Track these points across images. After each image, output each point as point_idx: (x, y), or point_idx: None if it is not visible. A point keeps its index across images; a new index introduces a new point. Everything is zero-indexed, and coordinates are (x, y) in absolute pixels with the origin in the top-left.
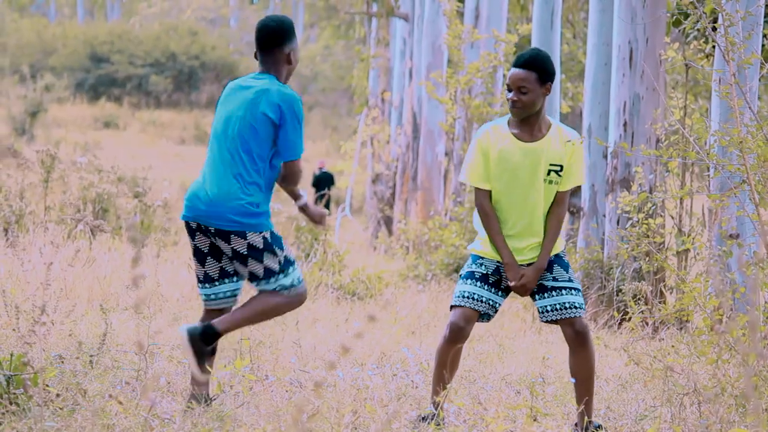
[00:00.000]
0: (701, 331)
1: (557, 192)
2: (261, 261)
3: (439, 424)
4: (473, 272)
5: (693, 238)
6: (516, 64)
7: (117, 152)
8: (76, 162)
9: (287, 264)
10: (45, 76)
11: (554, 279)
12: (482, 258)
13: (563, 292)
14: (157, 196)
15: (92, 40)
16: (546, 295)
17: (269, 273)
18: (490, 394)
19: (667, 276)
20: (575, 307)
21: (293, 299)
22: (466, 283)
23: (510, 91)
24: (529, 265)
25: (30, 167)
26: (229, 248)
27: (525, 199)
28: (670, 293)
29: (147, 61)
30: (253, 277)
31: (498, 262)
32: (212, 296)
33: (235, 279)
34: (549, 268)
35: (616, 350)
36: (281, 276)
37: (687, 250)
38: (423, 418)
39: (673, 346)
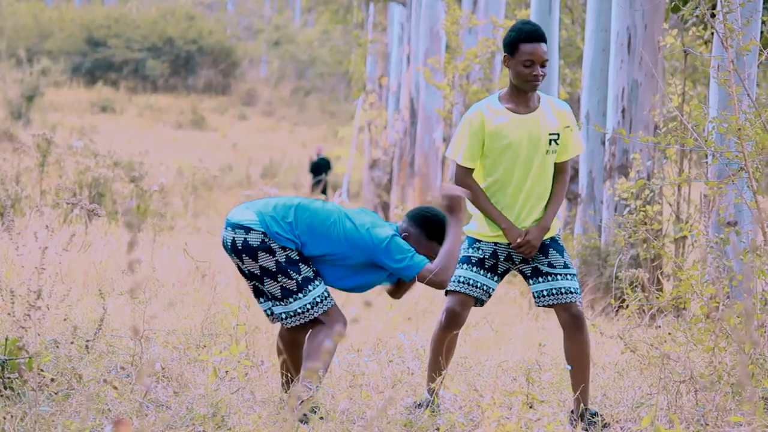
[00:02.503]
0: (698, 318)
1: (558, 163)
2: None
3: (434, 411)
4: (470, 257)
5: (690, 226)
6: (535, 39)
7: (113, 137)
8: (73, 146)
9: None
10: (41, 60)
11: (549, 264)
12: (479, 241)
13: (558, 277)
14: (153, 181)
15: (89, 24)
16: (541, 279)
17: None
18: (486, 381)
19: (665, 263)
20: (570, 292)
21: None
22: (462, 268)
23: (529, 66)
24: None
25: (26, 151)
26: None
27: (526, 175)
28: (667, 280)
29: (144, 45)
30: None
31: (495, 243)
32: None
33: None
34: (544, 252)
35: (612, 337)
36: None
37: (684, 238)
38: (419, 405)
39: (669, 334)
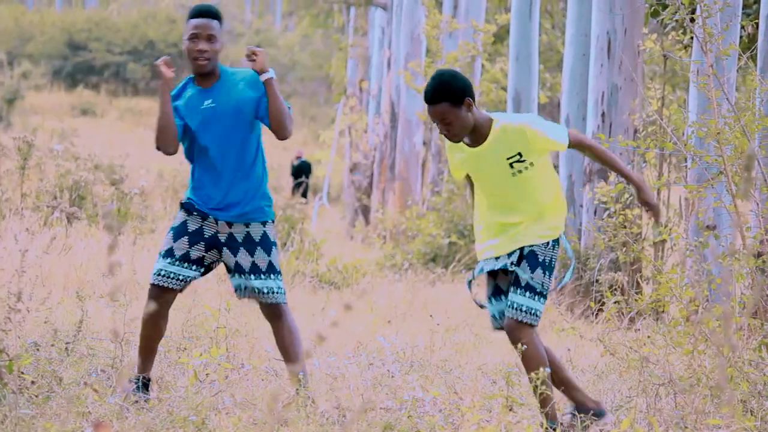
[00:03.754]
0: (677, 321)
1: (564, 148)
2: None
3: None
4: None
5: (670, 229)
6: (426, 100)
7: (94, 140)
8: (53, 149)
9: None
10: (22, 63)
11: (516, 278)
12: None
13: (517, 291)
14: (134, 184)
15: (70, 28)
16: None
17: None
18: (466, 384)
19: (644, 267)
20: (519, 309)
21: None
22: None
23: (436, 124)
24: (510, 254)
25: (7, 154)
26: None
27: (505, 194)
28: (647, 284)
29: (125, 48)
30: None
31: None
32: None
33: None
34: (519, 262)
35: (592, 340)
36: None
37: (663, 241)
38: None
39: (649, 337)
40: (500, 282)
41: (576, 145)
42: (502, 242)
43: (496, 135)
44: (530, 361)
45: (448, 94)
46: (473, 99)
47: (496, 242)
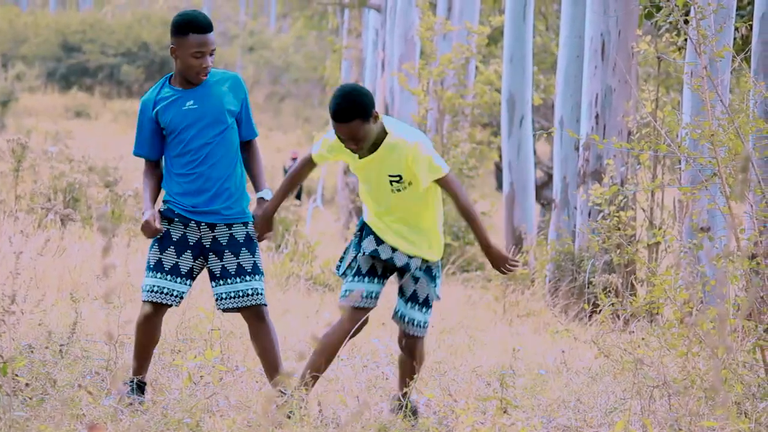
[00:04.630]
0: (671, 323)
1: (439, 184)
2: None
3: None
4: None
5: (664, 231)
6: (337, 119)
7: (88, 142)
8: (47, 151)
9: None
10: (16, 65)
11: (412, 293)
12: None
13: (416, 306)
14: (128, 186)
15: (64, 30)
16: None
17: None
18: (461, 386)
19: (638, 268)
20: (418, 325)
21: None
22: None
23: (343, 140)
24: (410, 257)
25: (1, 156)
26: None
27: (388, 201)
28: (641, 286)
29: (119, 50)
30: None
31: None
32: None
33: None
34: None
35: (586, 342)
36: None
37: (658, 243)
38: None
39: (643, 339)
40: (377, 265)
41: (445, 186)
42: (400, 242)
43: (386, 150)
44: (419, 366)
45: (359, 111)
46: (378, 115)
47: (394, 238)
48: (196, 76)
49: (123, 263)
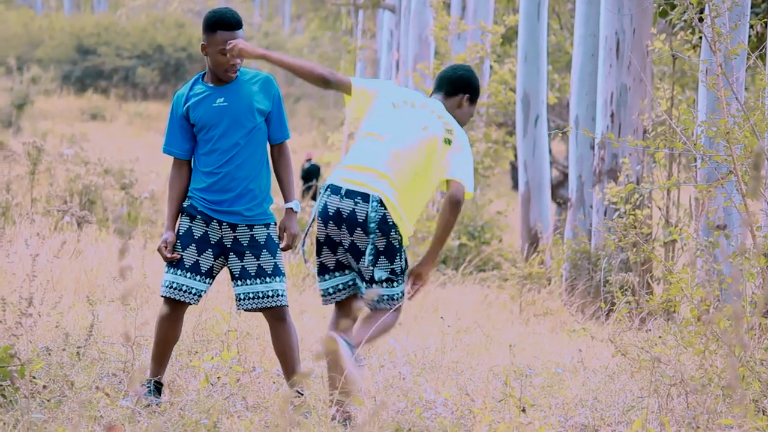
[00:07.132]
0: (688, 321)
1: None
2: None
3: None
4: None
5: (680, 229)
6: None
7: (104, 144)
8: (63, 154)
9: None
10: (31, 68)
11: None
12: None
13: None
14: (143, 188)
15: (79, 32)
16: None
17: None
18: (478, 386)
19: (654, 267)
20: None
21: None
22: None
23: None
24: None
25: (16, 159)
26: None
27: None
28: (657, 284)
29: (134, 53)
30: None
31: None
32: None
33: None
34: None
35: (603, 341)
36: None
37: (674, 241)
38: None
39: (660, 337)
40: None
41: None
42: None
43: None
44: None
45: (466, 87)
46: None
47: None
48: (225, 74)
49: (139, 265)
